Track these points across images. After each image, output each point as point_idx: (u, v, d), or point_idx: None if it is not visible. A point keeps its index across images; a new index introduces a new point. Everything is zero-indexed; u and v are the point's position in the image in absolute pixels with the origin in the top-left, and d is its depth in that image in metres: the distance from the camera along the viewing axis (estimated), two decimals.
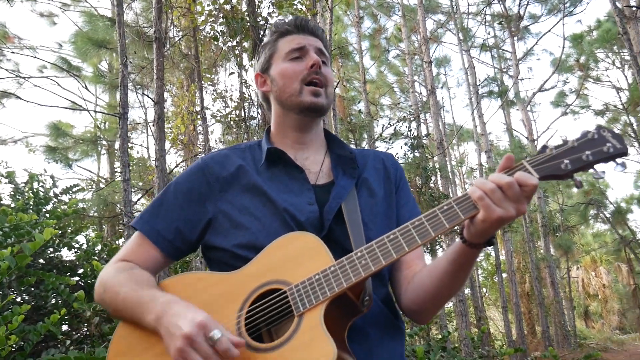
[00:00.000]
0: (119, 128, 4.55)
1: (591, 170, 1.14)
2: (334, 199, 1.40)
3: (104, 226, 10.59)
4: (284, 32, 1.56)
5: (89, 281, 5.45)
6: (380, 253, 1.20)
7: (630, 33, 9.69)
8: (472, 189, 1.15)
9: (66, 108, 7.04)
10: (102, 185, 11.28)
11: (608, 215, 17.65)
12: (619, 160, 1.13)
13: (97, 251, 5.85)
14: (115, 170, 12.67)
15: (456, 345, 8.05)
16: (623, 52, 18.64)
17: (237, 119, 7.02)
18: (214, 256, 1.44)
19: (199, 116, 7.37)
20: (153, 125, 5.30)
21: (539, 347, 17.75)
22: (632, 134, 16.11)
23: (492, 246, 1.24)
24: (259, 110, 6.18)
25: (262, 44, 1.61)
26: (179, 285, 1.34)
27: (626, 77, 19.02)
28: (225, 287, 1.30)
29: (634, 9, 11.48)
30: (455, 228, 1.24)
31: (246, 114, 6.67)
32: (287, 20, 1.57)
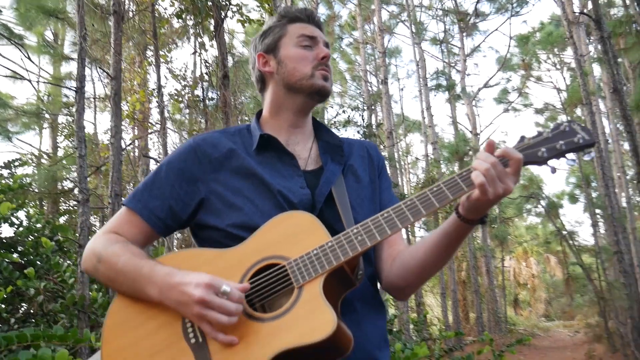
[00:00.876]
0: (76, 103, 4.42)
1: (563, 158, 1.29)
2: (324, 183, 1.48)
3: (44, 202, 10.21)
4: (294, 18, 1.60)
5: (31, 258, 5.30)
6: (375, 230, 1.29)
7: (574, 37, 10.23)
8: (476, 163, 1.24)
9: (7, 77, 6.71)
10: (43, 161, 10.84)
11: (542, 209, 18.59)
12: (587, 150, 1.29)
13: (38, 228, 5.68)
14: (59, 145, 12.19)
15: (399, 329, 8.35)
16: (563, 55, 19.58)
17: (194, 99, 6.93)
18: (207, 235, 1.48)
19: (155, 94, 7.21)
20: (109, 100, 5.17)
21: (472, 332, 18.62)
22: None
23: (484, 224, 1.35)
24: (218, 92, 6.13)
25: (269, 26, 1.64)
26: (177, 260, 1.38)
27: (564, 78, 20.04)
28: (224, 262, 1.35)
29: (576, 14, 12.11)
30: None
31: (205, 95, 6.62)
32: (295, 8, 1.62)
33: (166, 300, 1.28)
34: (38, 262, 4.59)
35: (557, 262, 28.18)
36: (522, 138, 1.32)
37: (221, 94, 5.65)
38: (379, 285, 1.55)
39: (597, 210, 13.81)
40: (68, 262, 5.15)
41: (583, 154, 1.32)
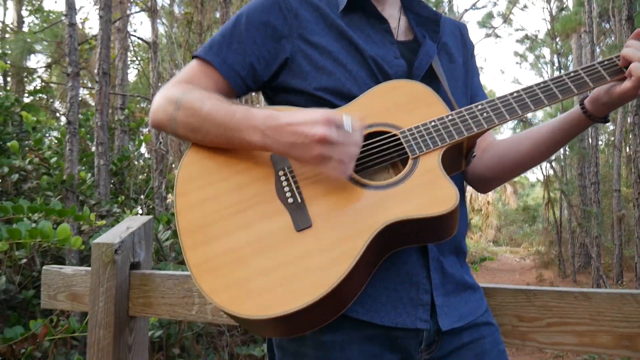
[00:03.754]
0: None
1: None
2: (424, 56, 1.31)
3: (8, 81, 9.55)
4: None
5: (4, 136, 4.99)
6: (504, 109, 1.15)
7: None
8: (627, 51, 1.12)
9: None
10: (7, 35, 10.01)
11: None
12: None
13: (7, 105, 5.32)
14: (23, 18, 11.23)
15: None
16: None
17: None
18: (289, 99, 1.29)
19: None
20: None
21: None
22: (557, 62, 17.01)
23: (607, 123, 1.24)
24: None
25: None
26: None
27: (550, 10, 19.73)
28: None
29: None
30: None
31: None
32: None
33: (274, 145, 1.11)
34: (12, 139, 4.29)
35: (513, 192, 29.27)
36: None
37: None
38: None
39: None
40: (47, 139, 4.87)
41: None
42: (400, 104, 1.20)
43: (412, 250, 1.19)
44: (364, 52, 1.25)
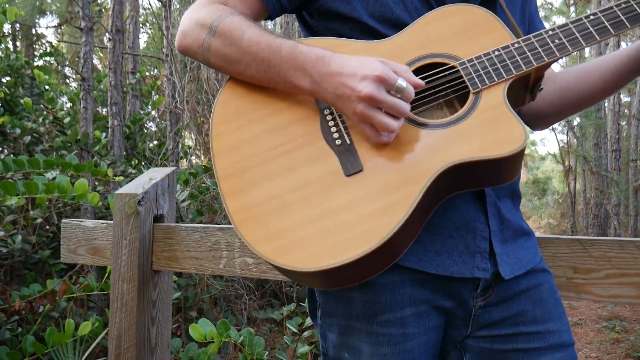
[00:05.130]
0: None
1: None
2: None
3: (17, 45, 9.42)
4: None
5: (8, 98, 4.90)
6: (580, 34, 1.03)
7: None
8: None
9: None
10: None
11: None
12: None
13: (19, 65, 5.22)
14: None
15: None
16: None
17: None
18: (330, 26, 1.17)
19: None
20: None
21: None
22: None
23: None
24: None
25: None
26: (321, 44, 1.07)
27: None
28: (375, 55, 1.08)
29: None
30: None
31: None
32: None
33: (320, 92, 1.00)
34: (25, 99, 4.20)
35: (523, 165, 28.94)
36: None
37: None
38: None
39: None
40: (62, 99, 4.77)
41: None
42: (458, 32, 1.08)
43: (467, 193, 1.09)
44: None
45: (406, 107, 0.96)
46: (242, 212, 1.01)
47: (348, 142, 1.02)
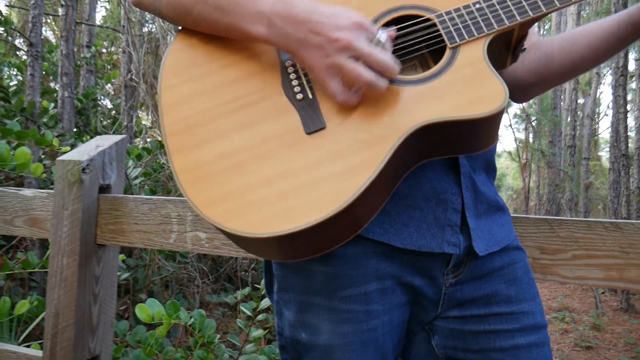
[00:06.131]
0: None
1: None
2: None
3: None
4: None
5: None
6: None
7: None
8: None
9: None
10: None
11: None
12: None
13: None
14: None
15: None
16: None
17: None
18: None
19: None
20: None
21: None
22: None
23: None
24: None
25: None
26: None
27: None
28: (343, 4, 0.98)
29: None
30: None
31: None
32: None
33: (279, 39, 0.90)
34: None
35: None
36: None
37: None
38: None
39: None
40: (10, 71, 4.48)
41: None
42: None
43: (439, 163, 1.02)
44: None
45: (394, 63, 0.86)
46: (190, 170, 0.90)
47: (310, 96, 0.92)
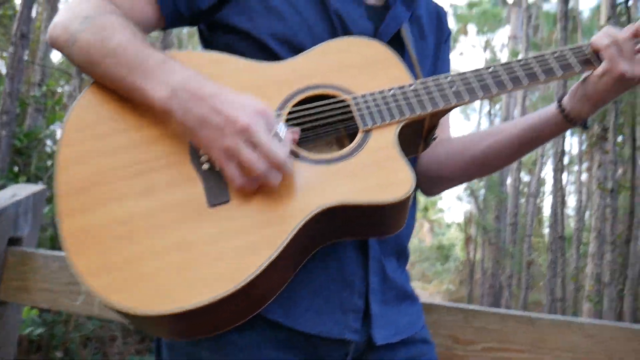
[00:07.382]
0: None
1: None
2: (392, 19, 1.13)
3: None
4: None
5: None
6: (477, 83, 0.99)
7: None
8: (597, 37, 1.01)
9: None
10: None
11: None
12: None
13: None
14: None
15: None
16: None
17: None
18: (228, 42, 1.06)
19: None
20: None
21: None
22: None
23: (586, 129, 1.11)
24: None
25: None
26: (194, 62, 0.97)
27: None
28: (258, 77, 0.99)
29: None
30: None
31: None
32: None
33: (179, 113, 0.87)
34: None
35: (430, 230, 30.12)
36: None
37: None
38: None
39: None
40: None
41: None
42: (357, 65, 1.01)
43: (349, 245, 1.00)
44: (328, 3, 1.06)
45: (284, 156, 0.84)
46: (78, 234, 0.84)
47: (216, 167, 0.89)
